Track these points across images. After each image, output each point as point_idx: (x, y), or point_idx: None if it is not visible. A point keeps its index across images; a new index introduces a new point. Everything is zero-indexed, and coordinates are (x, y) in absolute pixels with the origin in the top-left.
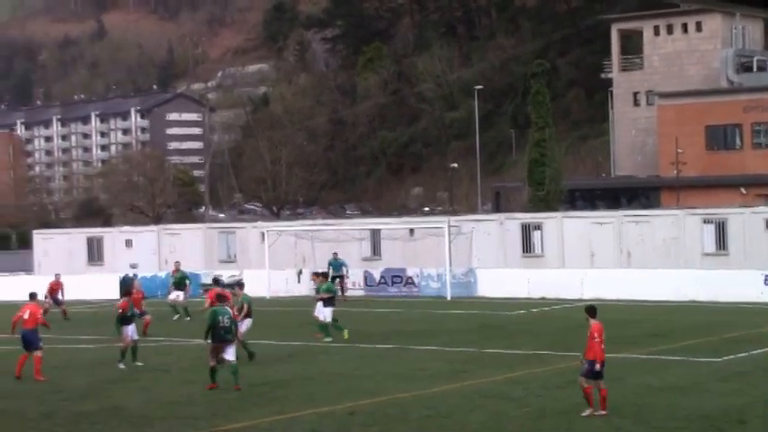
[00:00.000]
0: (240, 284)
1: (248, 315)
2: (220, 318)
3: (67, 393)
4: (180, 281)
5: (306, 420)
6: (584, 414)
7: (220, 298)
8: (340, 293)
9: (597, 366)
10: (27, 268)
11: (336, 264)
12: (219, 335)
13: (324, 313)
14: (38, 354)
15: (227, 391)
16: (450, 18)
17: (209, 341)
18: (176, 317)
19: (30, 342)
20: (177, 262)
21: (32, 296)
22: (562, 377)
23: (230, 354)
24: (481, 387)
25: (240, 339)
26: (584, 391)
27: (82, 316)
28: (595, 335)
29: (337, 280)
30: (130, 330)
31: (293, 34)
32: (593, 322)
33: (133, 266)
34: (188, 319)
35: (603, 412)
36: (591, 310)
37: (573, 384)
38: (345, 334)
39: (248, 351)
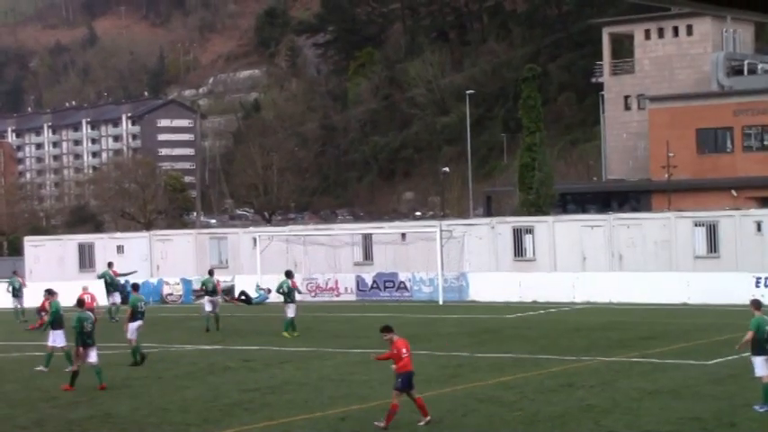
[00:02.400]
0: (51, 292)
1: (133, 318)
2: (84, 323)
3: (59, 400)
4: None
5: (297, 426)
6: (378, 424)
7: (80, 303)
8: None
9: (401, 381)
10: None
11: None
12: (83, 339)
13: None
14: None
15: (219, 398)
16: (442, 23)
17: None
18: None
19: None
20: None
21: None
22: (555, 380)
23: (93, 357)
24: (474, 391)
25: (133, 343)
26: (392, 407)
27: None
28: (403, 350)
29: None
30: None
31: (285, 40)
32: (395, 338)
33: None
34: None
35: (427, 418)
36: (386, 328)
37: (566, 388)
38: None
39: (140, 354)
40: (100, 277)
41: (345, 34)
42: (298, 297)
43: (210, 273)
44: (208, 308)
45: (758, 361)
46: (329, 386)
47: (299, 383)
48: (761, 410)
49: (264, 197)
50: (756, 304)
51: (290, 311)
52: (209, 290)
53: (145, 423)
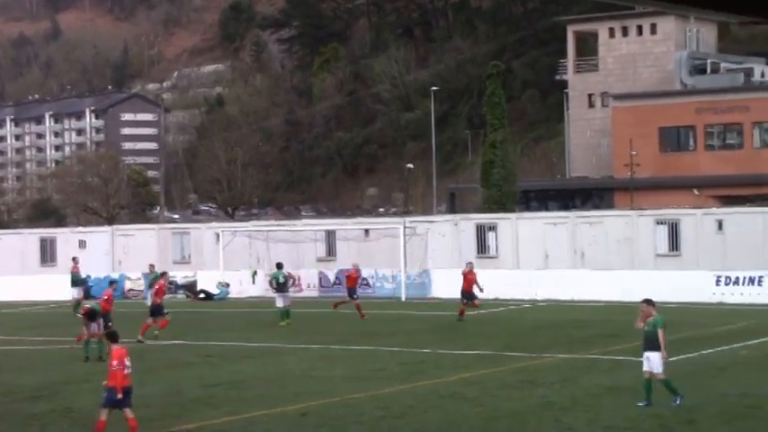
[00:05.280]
0: None
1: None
2: None
3: (19, 395)
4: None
5: (258, 421)
6: None
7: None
8: None
9: (118, 395)
10: None
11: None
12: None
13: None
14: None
15: (180, 393)
16: (407, 20)
17: None
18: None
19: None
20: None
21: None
22: (516, 377)
23: None
24: (436, 387)
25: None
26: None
27: (37, 317)
28: (114, 362)
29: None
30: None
31: (249, 35)
32: (114, 348)
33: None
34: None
35: None
36: (111, 335)
37: (527, 385)
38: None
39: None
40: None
41: (310, 29)
42: (258, 293)
43: (279, 266)
44: (279, 303)
45: (655, 356)
46: (291, 381)
47: (260, 379)
48: (677, 403)
49: (228, 192)
50: (653, 303)
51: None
52: (280, 283)
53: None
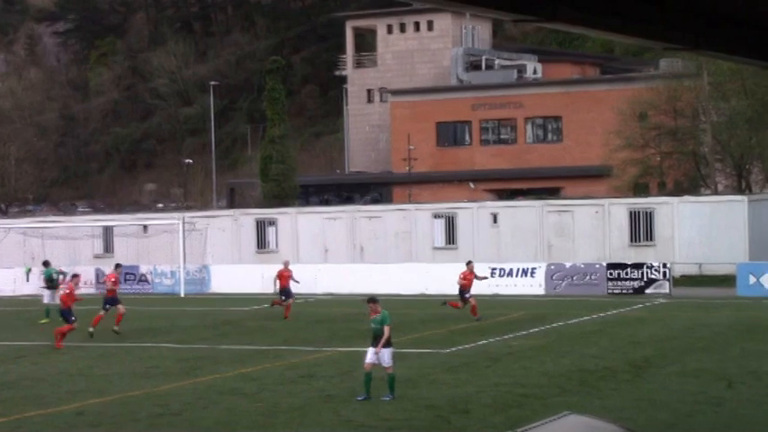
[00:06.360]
0: None
1: None
2: None
3: None
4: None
5: (32, 422)
6: None
7: None
8: None
9: None
10: None
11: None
12: None
13: None
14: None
15: None
16: (186, 14)
17: None
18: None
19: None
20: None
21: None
22: (295, 372)
23: None
24: (215, 383)
25: None
26: None
27: None
28: None
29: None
30: None
31: (23, 27)
32: None
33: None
34: None
35: None
36: None
37: (306, 379)
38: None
39: None
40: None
41: (87, 23)
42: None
43: (45, 264)
44: (47, 300)
45: (385, 351)
46: (66, 381)
47: (34, 379)
48: (387, 399)
49: (1, 188)
50: (377, 300)
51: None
52: (52, 280)
53: None
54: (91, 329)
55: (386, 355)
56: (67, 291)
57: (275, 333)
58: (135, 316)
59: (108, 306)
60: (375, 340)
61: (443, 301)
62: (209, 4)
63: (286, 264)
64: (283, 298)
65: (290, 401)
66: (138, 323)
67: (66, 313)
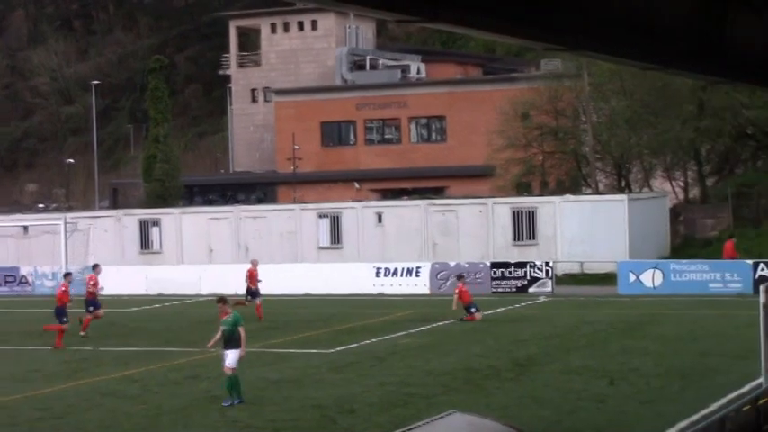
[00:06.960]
0: None
1: None
2: None
3: None
4: None
5: None
6: None
7: None
8: None
9: None
10: None
11: None
12: None
13: None
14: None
15: None
16: (67, 12)
17: None
18: None
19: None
20: None
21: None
22: (179, 373)
23: None
24: (98, 385)
25: None
26: None
27: None
28: None
29: None
30: None
31: None
32: None
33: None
34: None
35: None
36: None
37: (190, 380)
38: None
39: None
40: None
41: None
42: None
43: None
44: None
45: (232, 353)
46: None
47: None
48: (226, 405)
49: None
50: (227, 300)
51: None
52: None
53: None
54: (82, 333)
55: (231, 356)
56: (62, 289)
57: (158, 334)
58: (16, 319)
59: (92, 308)
60: (228, 343)
61: (461, 317)
62: (90, 2)
63: (254, 263)
64: (249, 298)
65: (175, 402)
66: (18, 326)
67: (59, 312)
